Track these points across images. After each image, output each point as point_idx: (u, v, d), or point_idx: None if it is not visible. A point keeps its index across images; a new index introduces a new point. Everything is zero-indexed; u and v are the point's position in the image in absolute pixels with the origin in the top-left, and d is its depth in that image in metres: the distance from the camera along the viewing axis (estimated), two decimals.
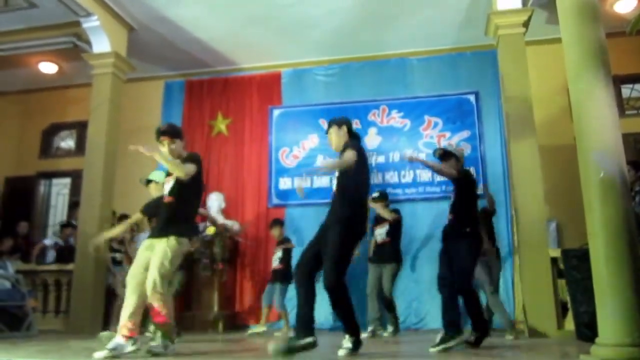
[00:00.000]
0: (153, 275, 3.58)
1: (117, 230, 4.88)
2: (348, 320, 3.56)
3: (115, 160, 6.71)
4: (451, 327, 3.87)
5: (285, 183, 7.61)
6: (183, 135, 4.07)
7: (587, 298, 4.03)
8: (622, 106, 7.06)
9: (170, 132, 3.97)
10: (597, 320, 2.86)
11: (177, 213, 3.81)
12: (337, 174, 3.82)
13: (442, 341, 3.80)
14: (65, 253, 7.09)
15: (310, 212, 7.39)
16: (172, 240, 3.70)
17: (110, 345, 3.55)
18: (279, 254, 6.49)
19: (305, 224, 7.34)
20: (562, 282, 5.14)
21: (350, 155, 3.64)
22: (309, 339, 3.38)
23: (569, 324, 4.89)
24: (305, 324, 3.46)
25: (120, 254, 6.50)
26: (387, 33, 7.22)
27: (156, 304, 3.61)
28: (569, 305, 4.83)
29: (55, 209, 8.72)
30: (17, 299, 5.80)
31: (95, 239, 4.66)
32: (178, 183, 3.82)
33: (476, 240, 4.18)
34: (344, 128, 3.96)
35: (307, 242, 7.20)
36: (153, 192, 4.90)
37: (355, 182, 3.75)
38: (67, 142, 8.95)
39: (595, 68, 3.04)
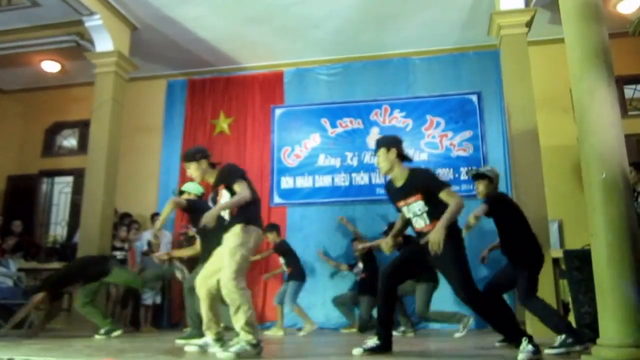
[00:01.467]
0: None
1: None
2: (505, 326, 3.42)
3: (118, 158, 6.73)
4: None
5: (287, 182, 7.62)
6: (201, 156, 3.95)
7: (589, 299, 4.02)
8: (625, 107, 7.05)
9: (186, 157, 3.97)
10: (598, 321, 2.86)
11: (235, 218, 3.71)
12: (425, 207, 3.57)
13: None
14: (68, 251, 7.11)
15: (311, 211, 7.42)
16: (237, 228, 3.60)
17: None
18: (281, 260, 6.50)
19: (307, 223, 7.37)
20: (563, 283, 5.14)
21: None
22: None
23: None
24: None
25: (121, 253, 6.51)
26: (390, 33, 7.21)
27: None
28: (571, 306, 4.82)
29: (57, 208, 8.74)
30: (19, 297, 5.82)
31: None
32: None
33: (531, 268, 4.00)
34: (394, 151, 3.71)
35: (309, 240, 7.28)
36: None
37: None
38: (69, 140, 8.98)
39: (598, 68, 3.04)
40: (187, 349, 4.00)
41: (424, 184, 3.56)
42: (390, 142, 3.77)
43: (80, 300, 5.34)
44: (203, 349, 3.91)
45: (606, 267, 2.80)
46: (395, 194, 3.71)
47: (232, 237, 3.57)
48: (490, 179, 4.28)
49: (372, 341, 3.60)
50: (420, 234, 3.61)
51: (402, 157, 3.73)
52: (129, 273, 5.84)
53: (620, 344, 2.67)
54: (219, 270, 3.57)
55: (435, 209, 3.50)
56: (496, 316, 3.42)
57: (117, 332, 5.20)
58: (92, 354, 3.64)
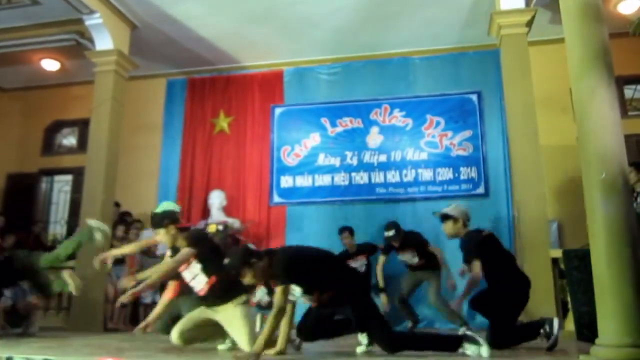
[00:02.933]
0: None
1: (127, 250, 4.86)
2: (439, 346, 3.44)
3: (117, 157, 6.72)
4: None
5: (286, 181, 7.61)
6: (169, 222, 3.94)
7: (588, 298, 4.01)
8: (625, 107, 7.05)
9: (153, 223, 4.02)
10: (597, 320, 2.86)
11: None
12: None
13: None
14: None
15: (311, 211, 7.42)
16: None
17: None
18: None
19: (307, 223, 7.36)
20: (563, 283, 5.14)
21: None
22: None
23: (570, 324, 4.88)
24: None
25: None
26: (390, 32, 7.21)
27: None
28: (570, 305, 4.82)
29: (56, 206, 8.74)
30: (19, 295, 5.81)
31: (102, 255, 4.44)
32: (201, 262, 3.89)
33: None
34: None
35: (308, 239, 7.25)
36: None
37: None
38: (69, 139, 8.97)
39: (598, 68, 3.04)
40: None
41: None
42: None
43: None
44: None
45: (605, 267, 2.81)
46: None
47: (236, 309, 3.79)
48: (455, 219, 4.17)
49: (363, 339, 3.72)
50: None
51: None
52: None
53: (619, 343, 2.68)
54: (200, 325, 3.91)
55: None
56: (428, 345, 3.45)
57: None
58: (91, 353, 3.64)
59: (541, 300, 5.07)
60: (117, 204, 7.01)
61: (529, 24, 5.89)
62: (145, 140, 8.18)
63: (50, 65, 8.08)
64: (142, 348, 4.06)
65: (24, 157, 8.77)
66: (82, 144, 8.13)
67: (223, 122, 8.08)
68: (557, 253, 5.18)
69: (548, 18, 6.70)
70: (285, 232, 7.39)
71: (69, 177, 8.66)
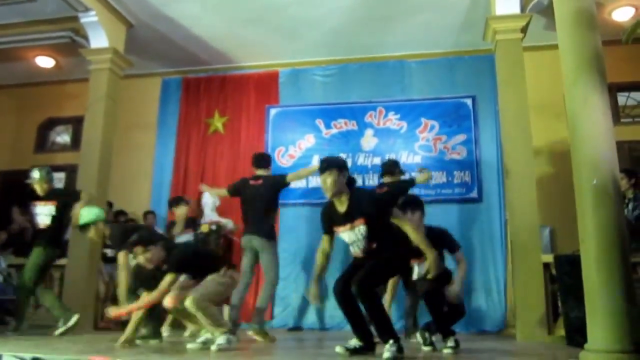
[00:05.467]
0: None
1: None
2: (381, 325, 3.50)
3: (111, 155, 6.70)
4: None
5: None
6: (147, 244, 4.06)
7: (578, 304, 4.04)
8: (618, 114, 7.09)
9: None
10: (587, 326, 2.87)
11: None
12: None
13: None
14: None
15: (305, 212, 7.40)
16: None
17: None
18: None
19: (301, 224, 7.35)
20: (554, 288, 5.16)
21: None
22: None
23: (561, 329, 4.91)
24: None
25: (112, 250, 6.46)
26: (386, 35, 7.23)
27: None
28: (561, 310, 4.84)
29: None
30: (8, 293, 5.78)
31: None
32: None
33: None
34: (346, 174, 3.61)
35: (302, 241, 7.26)
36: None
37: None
38: (62, 136, 8.92)
39: (591, 75, 3.06)
40: (189, 346, 4.02)
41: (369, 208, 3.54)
42: (343, 164, 3.67)
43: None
44: (206, 345, 3.97)
45: (595, 272, 2.82)
46: (338, 218, 3.64)
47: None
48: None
49: (354, 342, 3.63)
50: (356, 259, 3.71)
51: (350, 182, 3.67)
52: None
53: (608, 349, 2.69)
54: None
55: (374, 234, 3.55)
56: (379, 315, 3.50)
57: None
58: (81, 351, 3.62)
59: (532, 305, 5.10)
60: (109, 204, 6.97)
61: (524, 29, 5.91)
62: (139, 139, 8.16)
63: (45, 62, 8.05)
64: (135, 347, 4.04)
65: (17, 155, 8.70)
66: (76, 142, 8.10)
67: (218, 122, 8.07)
68: (549, 258, 5.20)
69: (543, 24, 6.73)
70: (279, 233, 7.37)
71: (62, 175, 8.58)
